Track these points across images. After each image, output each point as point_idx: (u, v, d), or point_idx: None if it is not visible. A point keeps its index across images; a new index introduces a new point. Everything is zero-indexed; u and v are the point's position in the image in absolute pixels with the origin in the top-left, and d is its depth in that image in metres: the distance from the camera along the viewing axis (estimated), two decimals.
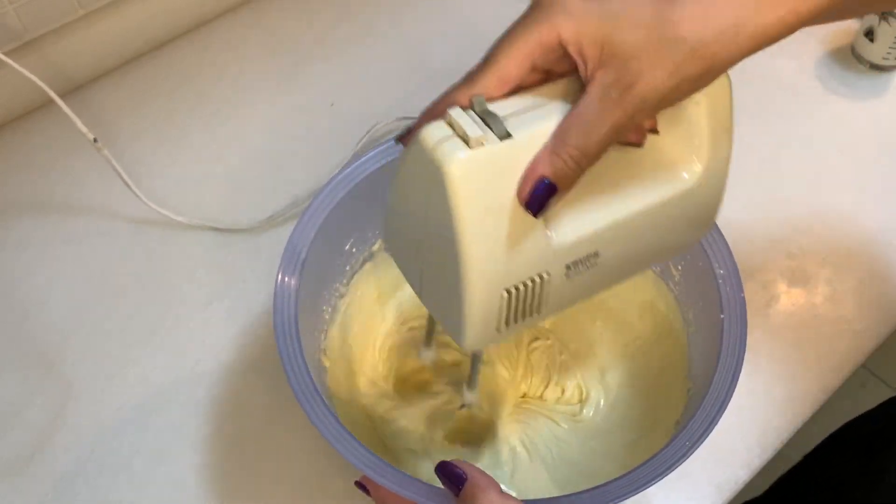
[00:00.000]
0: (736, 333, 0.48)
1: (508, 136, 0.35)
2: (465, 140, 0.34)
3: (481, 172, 0.35)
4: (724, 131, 0.40)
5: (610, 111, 0.34)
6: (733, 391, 0.46)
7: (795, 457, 0.74)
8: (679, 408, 0.51)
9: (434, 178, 0.35)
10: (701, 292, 0.51)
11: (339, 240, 0.55)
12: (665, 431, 0.50)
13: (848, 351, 0.61)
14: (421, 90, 0.76)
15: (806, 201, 0.68)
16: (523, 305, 0.39)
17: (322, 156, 0.70)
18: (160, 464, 0.56)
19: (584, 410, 0.57)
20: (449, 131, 0.35)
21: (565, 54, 0.35)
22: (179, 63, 0.77)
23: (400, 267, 0.43)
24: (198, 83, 0.75)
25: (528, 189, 0.35)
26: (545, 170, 0.35)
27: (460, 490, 0.40)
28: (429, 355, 0.55)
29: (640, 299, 0.58)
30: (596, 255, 0.39)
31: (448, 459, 0.41)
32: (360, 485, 0.45)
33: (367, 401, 0.57)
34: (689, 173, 0.40)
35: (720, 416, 0.45)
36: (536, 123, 0.36)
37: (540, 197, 0.35)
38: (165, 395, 0.59)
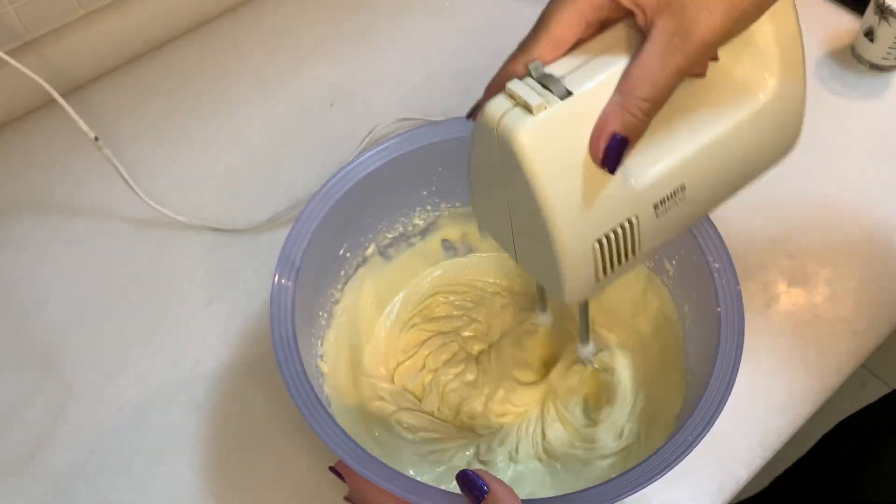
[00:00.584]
0: (734, 325, 0.48)
1: (569, 94, 0.35)
2: (528, 108, 0.35)
3: (549, 135, 0.35)
4: (792, 40, 0.40)
5: (673, 58, 0.35)
6: (734, 383, 0.46)
7: (795, 457, 0.74)
8: (678, 401, 0.51)
9: (506, 151, 0.35)
10: (696, 286, 0.52)
11: (334, 245, 0.55)
12: (665, 425, 0.50)
13: (848, 351, 0.61)
14: (421, 90, 0.76)
15: (806, 201, 0.68)
16: (618, 252, 0.39)
17: (322, 156, 0.70)
18: (160, 464, 0.56)
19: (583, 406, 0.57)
20: (510, 103, 0.36)
21: (617, 6, 0.36)
22: (179, 63, 0.77)
23: (496, 239, 0.44)
24: (198, 83, 0.75)
25: (601, 146, 0.35)
26: (615, 125, 0.35)
27: (480, 502, 0.39)
28: (545, 319, 0.57)
29: (632, 295, 0.58)
30: (683, 188, 0.39)
31: (466, 468, 0.41)
32: (335, 471, 0.45)
33: (366, 405, 0.57)
34: (763, 90, 0.40)
35: (721, 410, 0.45)
36: (595, 76, 0.36)
37: (614, 152, 0.35)
38: (165, 395, 0.59)
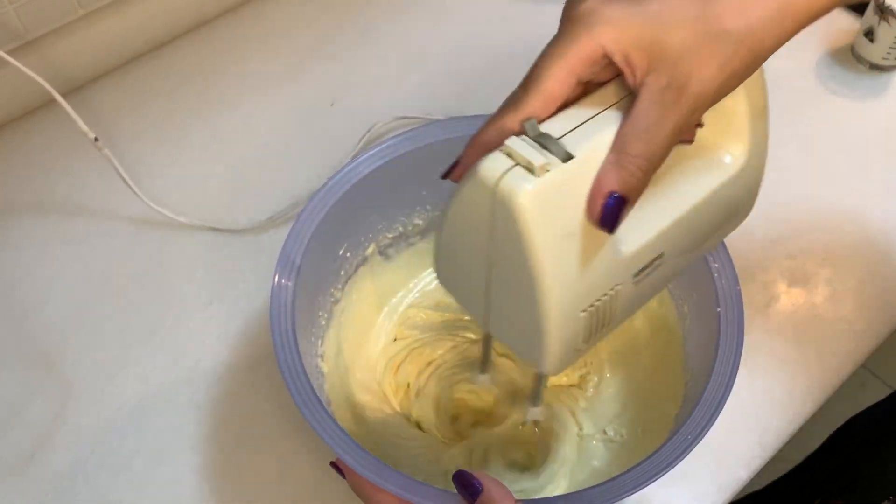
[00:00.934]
0: (734, 324, 0.48)
1: (570, 157, 0.34)
2: (530, 169, 0.33)
3: (550, 199, 0.34)
4: (761, 113, 0.40)
5: (669, 114, 0.34)
6: (733, 382, 0.46)
7: (796, 457, 0.74)
8: (677, 401, 0.51)
9: (502, 212, 0.34)
10: (695, 286, 0.52)
11: (334, 245, 0.55)
12: (664, 425, 0.50)
13: (848, 351, 0.61)
14: (421, 90, 0.76)
15: (806, 201, 0.68)
16: (599, 321, 0.38)
17: (322, 155, 0.70)
18: (160, 464, 0.56)
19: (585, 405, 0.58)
20: (509, 162, 0.34)
21: (609, 64, 0.35)
22: (180, 63, 0.77)
23: (457, 299, 0.42)
24: (198, 83, 0.75)
25: (598, 206, 0.34)
26: (612, 184, 0.34)
27: (475, 501, 0.40)
28: (485, 379, 0.55)
29: None
30: (661, 255, 0.39)
31: (462, 469, 0.41)
32: (336, 466, 0.45)
33: (366, 405, 0.57)
34: (733, 158, 0.40)
35: (721, 409, 0.45)
36: (594, 138, 0.35)
37: (612, 212, 0.34)
38: (165, 395, 0.59)
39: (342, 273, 0.57)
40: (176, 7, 0.76)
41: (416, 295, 0.62)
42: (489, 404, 0.58)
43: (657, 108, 0.34)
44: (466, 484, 0.40)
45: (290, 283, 0.49)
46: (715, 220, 0.42)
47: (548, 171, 0.33)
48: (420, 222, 0.60)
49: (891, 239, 0.66)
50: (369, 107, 0.74)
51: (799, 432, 0.58)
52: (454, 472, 0.41)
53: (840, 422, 0.74)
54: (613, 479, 0.43)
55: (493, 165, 0.34)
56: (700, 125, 0.40)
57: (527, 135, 0.34)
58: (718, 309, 0.49)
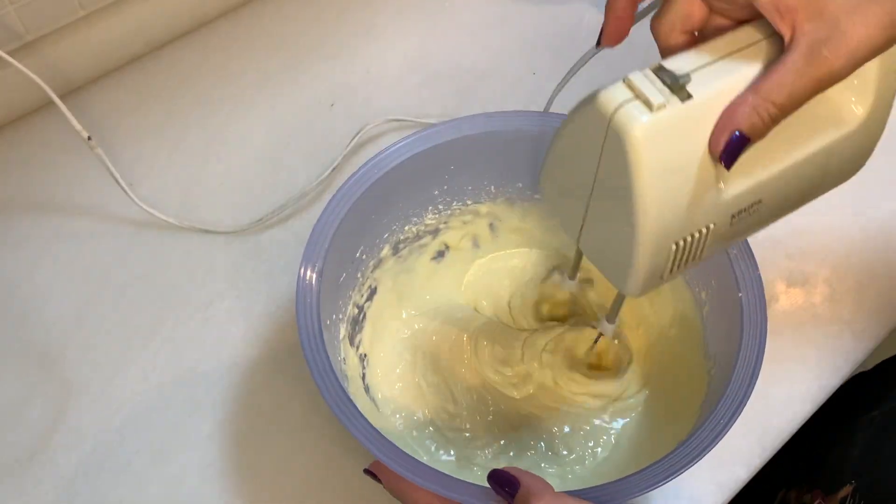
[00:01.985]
0: (756, 308, 0.48)
1: (689, 97, 0.35)
2: (648, 104, 0.35)
3: (661, 135, 0.35)
4: (890, 73, 0.40)
5: (820, 68, 0.34)
6: (760, 366, 0.46)
7: None
8: (702, 389, 0.51)
9: (615, 142, 0.35)
10: (713, 273, 0.52)
11: (351, 247, 0.55)
12: (689, 414, 0.50)
13: (846, 351, 0.61)
14: (421, 90, 0.76)
15: None
16: (688, 254, 0.40)
17: (322, 156, 0.70)
18: (160, 464, 0.56)
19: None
20: (628, 94, 0.35)
21: (744, 6, 0.36)
22: (180, 63, 0.77)
23: (554, 211, 0.44)
24: (198, 84, 0.76)
25: (723, 141, 0.35)
26: (742, 123, 0.35)
27: (513, 496, 0.39)
28: (571, 286, 0.58)
29: None
30: (760, 202, 0.40)
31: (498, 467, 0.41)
32: (370, 472, 0.45)
33: (391, 411, 0.57)
34: (854, 115, 0.40)
35: (752, 389, 0.45)
36: (717, 82, 0.36)
37: (735, 149, 0.35)
38: (166, 394, 0.59)
39: (359, 276, 0.57)
40: (176, 7, 0.76)
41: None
42: (569, 301, 0.60)
43: (810, 60, 0.34)
44: (502, 480, 0.40)
45: (314, 285, 0.49)
46: (821, 174, 0.42)
47: (664, 108, 0.35)
48: (432, 221, 0.60)
49: (890, 239, 0.66)
50: (370, 108, 0.74)
51: (798, 432, 0.58)
52: (489, 472, 0.41)
53: None
54: (648, 466, 0.43)
55: (612, 95, 0.35)
56: None
57: (651, 69, 0.36)
58: (740, 294, 0.49)
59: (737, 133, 0.35)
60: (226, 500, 0.55)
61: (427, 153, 0.54)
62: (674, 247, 0.38)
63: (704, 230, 0.39)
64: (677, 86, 0.35)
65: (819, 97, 0.39)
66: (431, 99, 0.75)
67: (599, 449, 0.56)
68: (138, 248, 0.66)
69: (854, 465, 0.60)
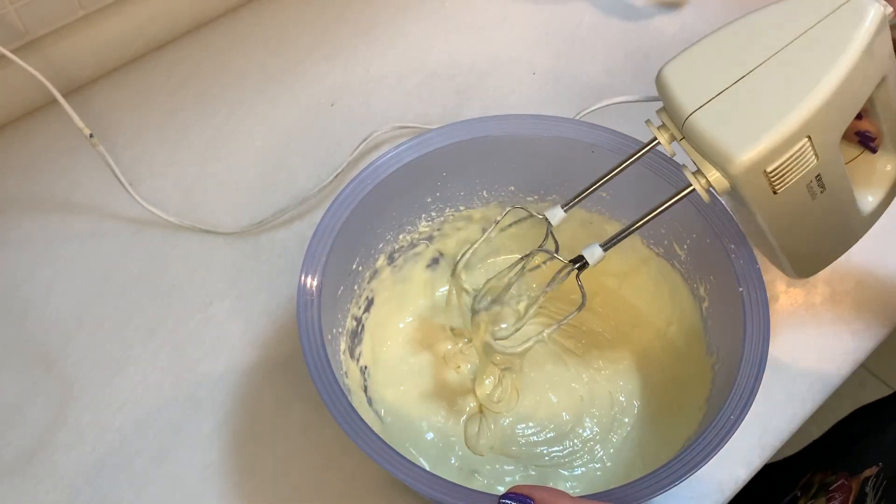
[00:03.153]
0: (757, 302, 0.49)
1: None
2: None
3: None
4: None
5: None
6: (765, 361, 0.46)
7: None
8: (705, 385, 0.51)
9: (846, 13, 0.40)
10: (711, 268, 0.52)
11: (348, 259, 0.55)
12: (695, 410, 0.50)
13: (846, 351, 0.61)
14: (421, 90, 0.76)
15: None
16: (795, 162, 0.43)
17: (323, 157, 0.70)
18: (160, 464, 0.56)
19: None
20: None
21: None
22: (180, 63, 0.77)
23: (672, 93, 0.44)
24: (198, 83, 0.76)
25: None
26: None
27: None
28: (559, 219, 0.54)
29: (641, 284, 0.58)
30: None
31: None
32: (515, 496, 0.41)
33: (392, 420, 0.57)
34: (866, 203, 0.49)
35: (759, 384, 0.46)
36: None
37: None
38: (166, 394, 0.59)
39: (356, 288, 0.57)
40: (176, 7, 0.76)
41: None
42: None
43: None
44: (516, 499, 0.40)
45: (314, 309, 0.49)
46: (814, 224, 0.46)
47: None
48: (426, 229, 0.60)
49: (889, 240, 0.66)
50: (370, 108, 0.74)
51: (798, 432, 0.58)
52: (499, 497, 0.40)
53: None
54: (663, 466, 0.43)
55: None
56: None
57: None
58: (741, 289, 0.49)
59: None
60: (226, 500, 0.55)
61: (419, 161, 0.54)
62: (806, 140, 0.40)
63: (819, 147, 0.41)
64: None
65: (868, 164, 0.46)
66: (431, 99, 0.75)
67: (602, 453, 0.56)
68: (139, 248, 0.66)
69: (883, 449, 0.60)
